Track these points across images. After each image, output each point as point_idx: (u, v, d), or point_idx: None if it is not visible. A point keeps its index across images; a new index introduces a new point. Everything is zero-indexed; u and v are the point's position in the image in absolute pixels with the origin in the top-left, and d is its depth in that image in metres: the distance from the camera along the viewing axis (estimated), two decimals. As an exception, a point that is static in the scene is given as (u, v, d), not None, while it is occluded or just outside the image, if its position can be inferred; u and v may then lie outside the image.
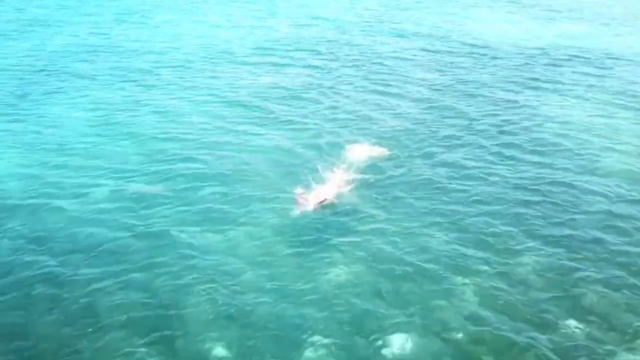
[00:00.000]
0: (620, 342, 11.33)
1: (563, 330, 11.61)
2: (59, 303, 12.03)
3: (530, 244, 14.14)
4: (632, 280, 12.96)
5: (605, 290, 12.67)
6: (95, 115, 21.50)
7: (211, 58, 28.47)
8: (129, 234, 14.27)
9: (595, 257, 13.74)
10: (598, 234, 14.58)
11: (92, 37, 31.67)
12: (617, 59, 28.75)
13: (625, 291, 12.65)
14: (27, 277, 12.73)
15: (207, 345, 11.06)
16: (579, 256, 13.74)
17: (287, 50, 29.86)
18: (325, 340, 11.18)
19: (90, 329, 11.36)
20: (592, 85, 25.06)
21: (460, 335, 11.42)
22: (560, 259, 13.62)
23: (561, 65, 27.80)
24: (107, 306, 11.97)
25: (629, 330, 11.58)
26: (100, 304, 12.02)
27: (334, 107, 22.47)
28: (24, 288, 12.45)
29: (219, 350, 10.95)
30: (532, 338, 11.36)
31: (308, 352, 10.98)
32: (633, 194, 16.48)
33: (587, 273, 13.18)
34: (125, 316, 11.69)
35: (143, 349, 10.94)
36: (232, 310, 11.86)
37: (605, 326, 11.72)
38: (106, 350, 10.92)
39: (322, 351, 10.98)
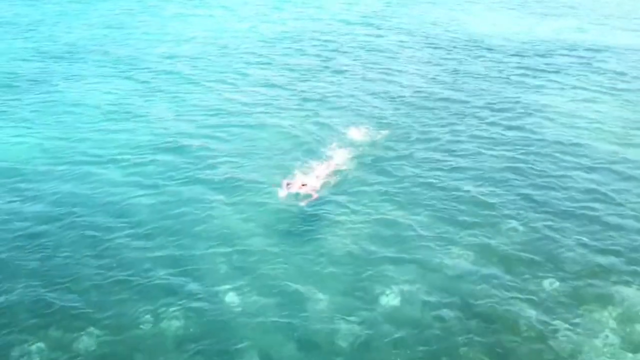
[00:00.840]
0: (595, 300, 12.63)
1: (543, 287, 12.94)
2: (96, 250, 13.80)
3: (517, 213, 15.53)
4: (609, 246, 14.31)
5: (584, 252, 14.00)
6: (110, 98, 23.04)
7: (221, 48, 29.91)
8: (136, 194, 16.18)
9: (575, 224, 15.07)
10: (579, 205, 15.94)
11: (107, 28, 33.18)
12: (607, 52, 29.91)
13: (600, 255, 13.97)
14: (64, 227, 14.64)
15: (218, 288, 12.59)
16: (561, 223, 15.09)
17: (291, 42, 31.22)
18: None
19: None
20: (582, 75, 26.30)
21: (447, 296, 12.79)
22: (544, 226, 14.98)
23: (554, 57, 29.01)
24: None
25: (604, 292, 12.87)
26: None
27: (333, 96, 23.70)
28: (62, 237, 14.30)
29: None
30: (515, 296, 12.70)
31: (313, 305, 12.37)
32: (614, 168, 17.89)
33: (568, 240, 14.51)
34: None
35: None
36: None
37: (582, 285, 13.02)
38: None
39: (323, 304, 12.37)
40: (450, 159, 18.58)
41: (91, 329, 11.66)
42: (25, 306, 12.20)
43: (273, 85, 24.71)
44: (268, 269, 13.46)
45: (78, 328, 11.70)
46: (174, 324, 11.79)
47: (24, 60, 27.43)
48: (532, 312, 12.21)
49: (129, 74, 25.91)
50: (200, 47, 30.07)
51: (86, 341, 11.42)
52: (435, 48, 30.67)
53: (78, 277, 13.06)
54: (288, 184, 16.38)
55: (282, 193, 16.13)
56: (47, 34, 31.69)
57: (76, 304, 12.30)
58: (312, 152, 18.82)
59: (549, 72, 26.84)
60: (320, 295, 12.61)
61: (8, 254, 13.80)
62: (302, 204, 15.84)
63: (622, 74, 26.66)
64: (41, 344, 11.30)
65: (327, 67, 27.33)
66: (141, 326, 11.76)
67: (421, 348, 11.35)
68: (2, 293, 12.61)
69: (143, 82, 25.03)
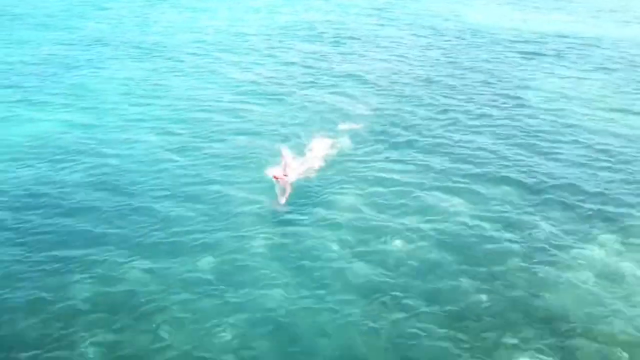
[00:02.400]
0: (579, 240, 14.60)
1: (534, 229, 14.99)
2: (121, 223, 15.24)
3: (510, 175, 17.65)
4: (589, 198, 16.45)
5: (569, 202, 16.18)
6: (128, 83, 24.73)
7: (232, 41, 31.66)
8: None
9: (560, 181, 17.37)
10: (568, 167, 18.17)
11: (127, 20, 35.26)
12: (600, 42, 31.82)
13: (582, 205, 16.14)
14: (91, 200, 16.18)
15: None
16: (549, 182, 17.26)
17: (294, 35, 32.98)
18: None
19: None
20: (573, 62, 28.33)
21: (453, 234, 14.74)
22: (536, 183, 17.11)
23: (549, 46, 30.94)
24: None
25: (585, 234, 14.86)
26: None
27: (333, 84, 24.97)
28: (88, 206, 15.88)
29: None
30: (510, 237, 14.68)
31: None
32: (597, 141, 19.96)
33: (552, 195, 16.56)
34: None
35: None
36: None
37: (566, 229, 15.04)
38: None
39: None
40: (451, 135, 20.44)
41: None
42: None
43: (270, 77, 25.83)
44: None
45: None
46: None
47: (57, 47, 29.31)
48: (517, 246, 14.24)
49: (152, 59, 27.76)
50: (207, 36, 31.87)
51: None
52: (435, 38, 32.48)
53: (120, 236, 14.68)
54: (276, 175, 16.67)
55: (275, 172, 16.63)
56: (73, 25, 33.69)
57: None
58: (298, 140, 19.53)
59: (544, 59, 28.77)
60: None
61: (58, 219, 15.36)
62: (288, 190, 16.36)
63: (613, 61, 28.56)
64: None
65: (328, 56, 28.70)
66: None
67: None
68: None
69: (158, 67, 27.00)
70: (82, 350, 11.12)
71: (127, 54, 28.72)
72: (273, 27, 34.20)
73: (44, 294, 12.52)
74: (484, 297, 12.63)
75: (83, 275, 13.03)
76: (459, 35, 32.95)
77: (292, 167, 16.95)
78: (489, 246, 14.28)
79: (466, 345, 11.38)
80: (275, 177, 16.36)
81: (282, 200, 15.82)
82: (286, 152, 17.70)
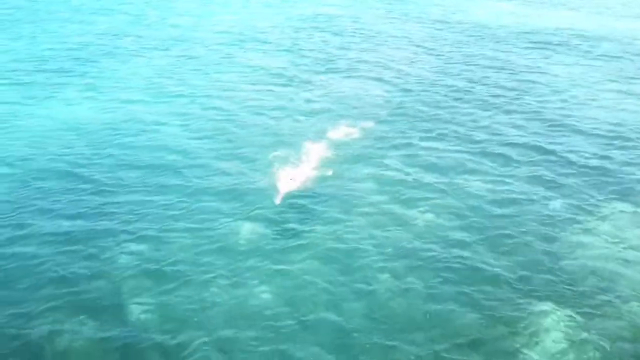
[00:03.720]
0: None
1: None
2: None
3: (524, 155, 18.86)
4: (602, 173, 17.69)
5: (583, 178, 17.42)
6: (148, 77, 25.62)
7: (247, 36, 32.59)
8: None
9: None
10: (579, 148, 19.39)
11: (145, 15, 36.44)
12: (605, 36, 32.84)
13: (595, 179, 17.36)
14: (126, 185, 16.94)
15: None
16: (562, 160, 18.51)
17: (313, 28, 34.16)
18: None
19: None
20: (580, 56, 29.43)
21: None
22: (551, 163, 18.39)
23: (554, 40, 31.99)
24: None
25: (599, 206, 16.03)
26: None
27: (338, 83, 25.23)
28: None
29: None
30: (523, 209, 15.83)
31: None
32: (601, 126, 21.13)
33: (567, 172, 17.80)
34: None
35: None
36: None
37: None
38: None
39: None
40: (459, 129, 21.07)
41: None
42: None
43: (279, 75, 26.18)
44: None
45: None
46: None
47: (82, 38, 30.43)
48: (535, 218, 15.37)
49: (174, 51, 28.88)
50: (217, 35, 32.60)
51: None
52: (445, 32, 33.53)
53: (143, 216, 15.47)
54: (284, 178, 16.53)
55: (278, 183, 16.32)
56: (96, 18, 34.90)
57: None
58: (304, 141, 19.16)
59: (550, 53, 29.83)
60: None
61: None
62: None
63: (619, 55, 29.58)
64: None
65: (342, 49, 29.45)
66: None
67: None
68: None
69: (180, 58, 28.22)
70: (134, 311, 12.08)
71: (150, 45, 29.91)
72: (289, 20, 35.53)
73: (95, 263, 13.45)
74: (505, 263, 13.57)
75: (128, 244, 14.05)
76: (467, 29, 34.03)
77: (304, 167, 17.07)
78: (509, 220, 15.26)
79: (494, 312, 12.24)
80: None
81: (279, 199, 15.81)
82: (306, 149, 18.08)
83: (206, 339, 11.40)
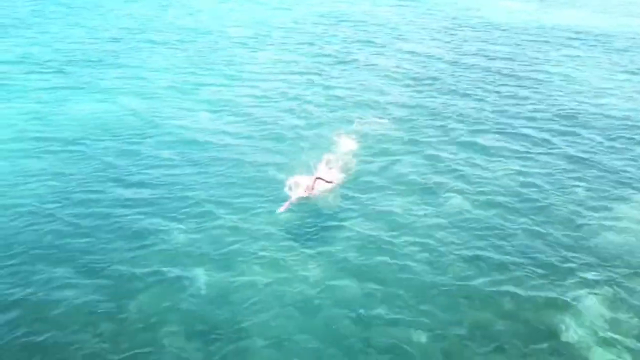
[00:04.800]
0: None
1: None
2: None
3: (540, 150, 19.28)
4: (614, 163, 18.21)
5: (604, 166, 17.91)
6: (174, 73, 25.83)
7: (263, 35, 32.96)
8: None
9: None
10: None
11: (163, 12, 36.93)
12: (616, 35, 33.57)
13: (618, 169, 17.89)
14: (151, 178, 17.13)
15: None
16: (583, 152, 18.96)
17: (332, 25, 34.63)
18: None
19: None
20: (590, 53, 30.09)
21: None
22: (570, 155, 18.79)
23: (566, 39, 32.55)
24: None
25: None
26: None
27: (349, 83, 25.02)
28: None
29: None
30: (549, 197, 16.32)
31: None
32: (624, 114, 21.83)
33: (588, 160, 18.24)
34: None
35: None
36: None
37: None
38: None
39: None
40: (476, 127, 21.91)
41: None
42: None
43: (299, 73, 26.20)
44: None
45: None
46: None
47: (96, 39, 30.46)
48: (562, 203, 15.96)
49: (186, 52, 28.93)
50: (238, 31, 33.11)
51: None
52: (453, 32, 33.90)
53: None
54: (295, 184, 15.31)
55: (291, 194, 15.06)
56: (109, 17, 35.15)
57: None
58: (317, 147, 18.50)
59: (562, 51, 30.35)
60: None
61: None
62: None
63: (630, 53, 30.22)
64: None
65: (345, 54, 29.06)
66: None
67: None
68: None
69: (203, 54, 28.56)
70: (187, 285, 12.58)
71: (174, 41, 30.40)
72: (308, 16, 36.31)
73: (146, 242, 13.97)
74: (538, 244, 14.15)
75: (178, 226, 14.57)
76: (479, 28, 34.65)
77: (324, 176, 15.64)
78: (536, 204, 15.82)
79: (531, 295, 12.63)
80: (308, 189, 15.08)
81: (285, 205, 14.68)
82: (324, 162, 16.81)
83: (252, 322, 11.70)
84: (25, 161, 17.58)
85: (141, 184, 16.47)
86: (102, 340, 11.18)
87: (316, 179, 15.05)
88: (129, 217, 14.86)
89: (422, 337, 11.45)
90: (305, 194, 14.87)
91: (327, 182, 15.22)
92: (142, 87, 23.78)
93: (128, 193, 15.99)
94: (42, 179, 16.60)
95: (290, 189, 15.24)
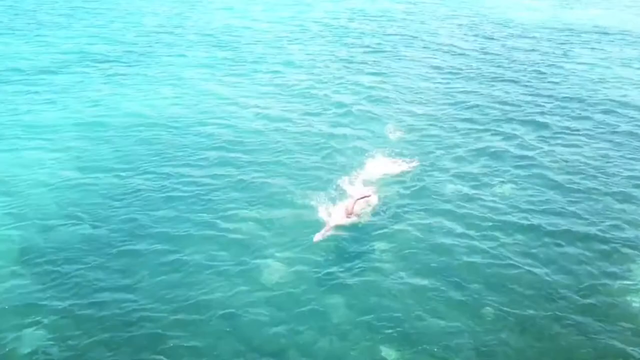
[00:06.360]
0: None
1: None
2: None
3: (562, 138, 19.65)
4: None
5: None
6: (204, 70, 26.10)
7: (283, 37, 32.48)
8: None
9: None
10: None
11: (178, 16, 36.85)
12: (630, 34, 33.23)
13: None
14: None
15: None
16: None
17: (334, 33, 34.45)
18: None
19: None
20: (608, 47, 30.02)
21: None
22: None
23: (582, 37, 32.23)
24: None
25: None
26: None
27: (375, 90, 24.15)
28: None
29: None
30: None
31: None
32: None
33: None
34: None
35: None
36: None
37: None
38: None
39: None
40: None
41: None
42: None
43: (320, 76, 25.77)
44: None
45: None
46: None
47: (123, 39, 30.76)
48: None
49: (214, 51, 29.11)
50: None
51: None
52: (477, 33, 33.59)
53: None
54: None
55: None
56: (133, 18, 35.42)
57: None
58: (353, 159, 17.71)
59: (581, 47, 30.25)
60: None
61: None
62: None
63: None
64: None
65: (364, 59, 28.44)
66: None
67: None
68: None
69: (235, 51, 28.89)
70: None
71: (202, 40, 30.81)
72: (338, 12, 37.20)
73: (207, 229, 14.13)
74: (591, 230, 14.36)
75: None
76: (498, 29, 34.26)
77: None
78: (581, 190, 16.16)
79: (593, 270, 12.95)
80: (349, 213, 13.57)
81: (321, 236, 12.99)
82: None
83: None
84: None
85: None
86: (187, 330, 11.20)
87: (356, 201, 13.47)
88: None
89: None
90: (345, 220, 13.33)
91: (366, 197, 13.85)
92: (187, 81, 24.25)
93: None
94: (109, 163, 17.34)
95: (326, 213, 13.78)
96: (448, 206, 15.35)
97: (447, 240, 13.86)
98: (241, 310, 11.65)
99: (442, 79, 25.29)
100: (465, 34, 32.54)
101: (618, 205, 15.44)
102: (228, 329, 11.26)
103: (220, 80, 24.71)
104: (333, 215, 13.45)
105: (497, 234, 14.22)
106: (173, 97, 22.76)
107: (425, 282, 12.48)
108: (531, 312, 11.77)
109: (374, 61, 27.78)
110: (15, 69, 25.22)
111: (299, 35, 31.81)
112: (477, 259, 13.30)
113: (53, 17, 34.34)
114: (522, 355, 10.83)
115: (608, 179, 16.76)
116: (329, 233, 12.93)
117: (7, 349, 10.82)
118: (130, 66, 26.21)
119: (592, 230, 14.37)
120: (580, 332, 11.33)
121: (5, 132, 19.27)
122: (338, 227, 13.40)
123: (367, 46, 30.10)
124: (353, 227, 13.79)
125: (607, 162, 17.76)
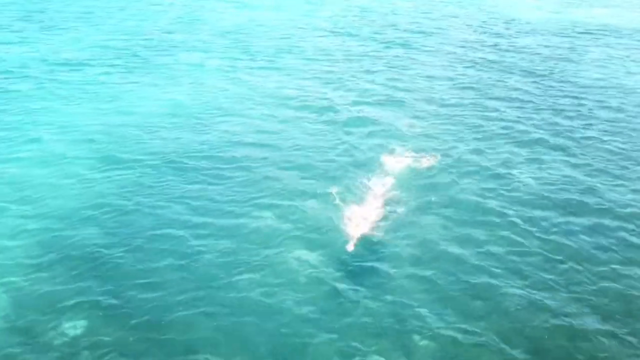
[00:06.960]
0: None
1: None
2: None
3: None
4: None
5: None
6: (223, 65, 26.32)
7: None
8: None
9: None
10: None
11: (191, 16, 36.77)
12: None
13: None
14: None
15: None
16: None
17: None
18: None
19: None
20: (614, 43, 30.59)
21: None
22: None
23: (591, 36, 32.48)
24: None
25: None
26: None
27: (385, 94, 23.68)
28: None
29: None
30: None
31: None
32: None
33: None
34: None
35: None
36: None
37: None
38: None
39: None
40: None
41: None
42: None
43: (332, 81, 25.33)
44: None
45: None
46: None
47: (144, 35, 30.95)
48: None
49: (232, 48, 29.17)
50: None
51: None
52: (485, 31, 33.73)
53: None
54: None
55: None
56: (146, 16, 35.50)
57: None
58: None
59: (588, 44, 30.60)
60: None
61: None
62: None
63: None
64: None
65: (379, 58, 28.29)
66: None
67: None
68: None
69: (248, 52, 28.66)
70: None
71: (219, 37, 30.99)
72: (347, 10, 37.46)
73: (231, 221, 14.34)
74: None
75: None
76: (506, 28, 34.38)
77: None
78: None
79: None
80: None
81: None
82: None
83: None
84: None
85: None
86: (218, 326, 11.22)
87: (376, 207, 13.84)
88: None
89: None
90: (366, 226, 13.50)
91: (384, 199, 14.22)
92: (206, 76, 24.32)
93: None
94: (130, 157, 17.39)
95: (349, 221, 13.79)
96: (469, 199, 15.40)
97: (471, 234, 13.91)
98: (263, 306, 11.80)
99: (456, 74, 25.43)
100: (475, 31, 32.92)
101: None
102: (255, 323, 11.36)
103: (238, 76, 24.77)
104: (355, 223, 13.64)
105: (520, 225, 14.34)
106: (192, 93, 22.84)
107: (448, 280, 12.53)
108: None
109: (391, 56, 27.94)
110: (35, 66, 25.29)
111: (312, 33, 31.99)
112: (499, 250, 13.46)
113: (70, 15, 34.47)
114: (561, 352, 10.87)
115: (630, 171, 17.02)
116: (356, 236, 13.18)
117: (37, 341, 10.90)
118: (148, 62, 26.36)
119: (617, 223, 14.54)
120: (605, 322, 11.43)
121: (26, 127, 19.32)
122: (361, 226, 13.61)
123: (381, 42, 30.28)
124: (374, 223, 13.93)
125: (624, 158, 17.90)
